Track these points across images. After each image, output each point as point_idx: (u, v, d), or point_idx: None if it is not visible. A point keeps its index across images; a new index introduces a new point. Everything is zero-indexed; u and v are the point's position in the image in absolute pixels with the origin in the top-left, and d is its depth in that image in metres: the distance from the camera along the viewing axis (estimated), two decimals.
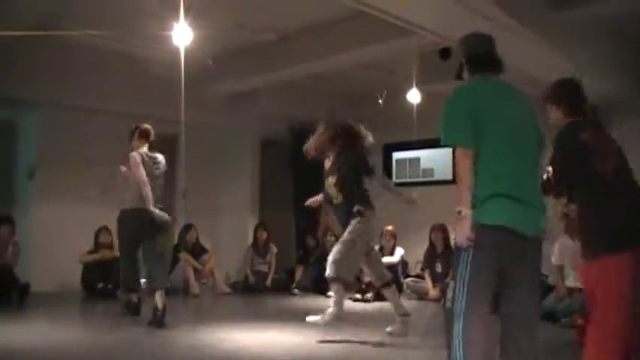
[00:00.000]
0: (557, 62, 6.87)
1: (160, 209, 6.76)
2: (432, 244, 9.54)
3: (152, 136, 7.07)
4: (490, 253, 3.16)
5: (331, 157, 6.04)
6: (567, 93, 4.08)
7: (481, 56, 3.52)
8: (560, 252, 7.26)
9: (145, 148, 6.92)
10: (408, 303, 8.91)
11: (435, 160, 11.79)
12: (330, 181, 5.96)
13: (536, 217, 3.30)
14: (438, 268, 9.36)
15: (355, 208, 5.79)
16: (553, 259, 7.39)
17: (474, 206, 3.18)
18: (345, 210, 5.88)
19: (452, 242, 8.82)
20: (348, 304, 8.65)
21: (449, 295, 3.10)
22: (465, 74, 3.56)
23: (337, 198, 5.94)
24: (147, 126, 7.19)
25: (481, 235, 3.14)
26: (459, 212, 3.19)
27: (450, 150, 11.32)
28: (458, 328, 3.11)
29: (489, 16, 5.83)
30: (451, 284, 3.09)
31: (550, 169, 3.93)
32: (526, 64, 7.24)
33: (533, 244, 3.29)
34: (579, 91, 4.09)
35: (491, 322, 3.22)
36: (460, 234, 3.19)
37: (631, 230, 3.80)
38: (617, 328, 3.70)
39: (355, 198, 5.84)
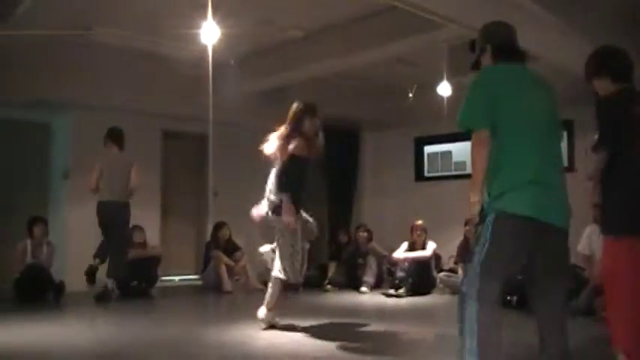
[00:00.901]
0: (586, 52, 6.76)
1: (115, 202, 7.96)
2: (465, 238, 9.46)
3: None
4: (512, 242, 3.15)
5: None
6: (606, 59, 3.95)
7: (506, 44, 3.50)
8: (589, 240, 7.12)
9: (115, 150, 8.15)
10: (441, 298, 8.92)
11: (467, 153, 11.60)
12: None
13: (561, 207, 3.26)
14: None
15: None
16: (580, 248, 7.27)
17: (497, 196, 3.16)
18: None
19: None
20: (381, 299, 8.65)
21: (464, 278, 3.10)
22: (486, 61, 3.53)
23: None
24: (113, 127, 8.19)
25: (504, 224, 3.13)
26: (469, 197, 3.23)
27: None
28: (470, 312, 3.09)
29: (517, 4, 5.75)
30: (466, 267, 3.11)
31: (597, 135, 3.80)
32: (554, 54, 7.16)
33: (559, 234, 3.27)
34: (620, 55, 3.95)
35: (500, 310, 3.21)
36: (470, 221, 3.26)
37: None
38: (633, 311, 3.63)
39: None
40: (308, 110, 6.05)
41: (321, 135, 6.11)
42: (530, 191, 3.15)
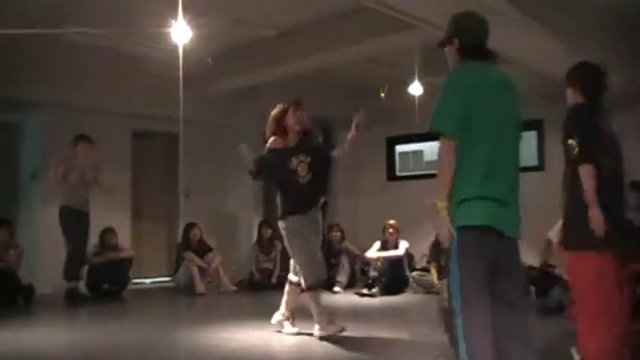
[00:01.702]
0: (563, 57, 6.82)
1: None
2: (437, 237, 9.49)
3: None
4: (479, 251, 3.09)
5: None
6: (588, 77, 4.01)
7: (475, 42, 3.35)
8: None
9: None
10: (414, 297, 8.94)
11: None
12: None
13: (516, 218, 3.24)
14: (444, 261, 9.31)
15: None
16: (551, 234, 7.34)
17: (458, 203, 3.09)
18: None
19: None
20: (355, 299, 8.64)
21: (445, 294, 3.04)
22: (452, 54, 3.41)
23: None
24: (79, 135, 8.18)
25: (468, 236, 3.07)
26: (434, 204, 3.11)
27: None
28: (459, 327, 3.02)
29: (494, 8, 5.76)
30: (445, 283, 3.03)
31: (572, 142, 3.78)
32: (531, 57, 7.21)
33: (513, 244, 3.24)
34: (602, 78, 4.00)
35: (488, 315, 3.10)
36: (442, 228, 3.11)
37: (619, 231, 3.79)
38: (613, 322, 3.69)
39: None
40: (291, 104, 5.93)
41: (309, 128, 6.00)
42: (490, 204, 3.10)
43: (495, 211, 3.10)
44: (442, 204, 3.08)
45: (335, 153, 5.99)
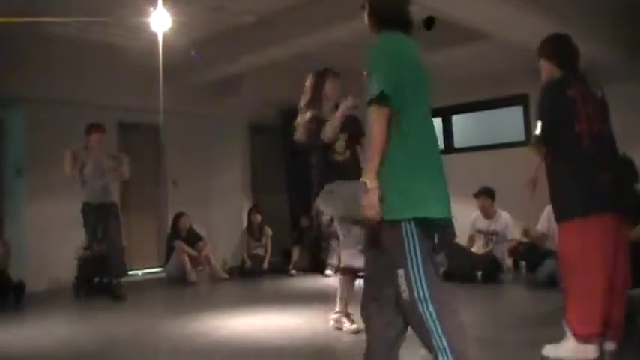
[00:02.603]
0: (549, 30, 6.82)
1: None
2: None
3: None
4: (428, 238, 2.95)
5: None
6: (558, 47, 4.11)
7: (402, 14, 3.13)
8: (549, 220, 7.15)
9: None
10: None
11: None
12: None
13: (448, 199, 3.03)
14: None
15: None
16: (539, 226, 7.42)
17: (403, 194, 2.89)
18: None
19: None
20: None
21: (403, 286, 2.93)
22: (369, 23, 3.18)
23: None
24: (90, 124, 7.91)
25: (420, 228, 2.89)
26: (365, 184, 2.89)
27: (439, 120, 11.31)
28: (428, 314, 2.82)
29: None
30: (400, 273, 2.93)
31: (539, 123, 3.91)
32: (515, 31, 7.19)
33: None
34: (570, 45, 4.10)
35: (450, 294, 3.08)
36: (369, 209, 2.88)
37: (607, 194, 3.81)
38: (599, 291, 3.71)
39: None
40: (328, 72, 5.40)
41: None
42: (437, 192, 2.96)
43: (443, 198, 3.00)
44: (373, 183, 2.88)
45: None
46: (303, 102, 5.34)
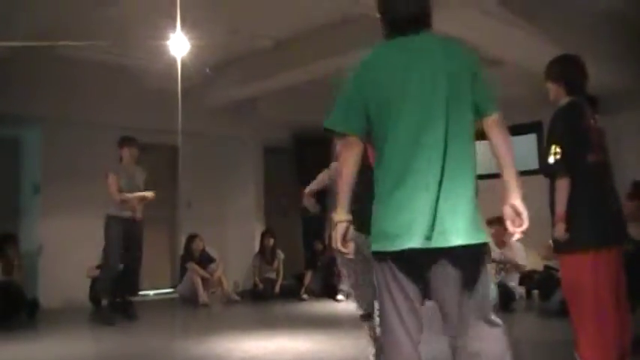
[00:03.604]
0: (553, 53, 6.86)
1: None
2: None
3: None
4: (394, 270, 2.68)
5: None
6: (565, 68, 3.98)
7: (403, 16, 2.75)
8: None
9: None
10: None
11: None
12: None
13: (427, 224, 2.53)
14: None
15: None
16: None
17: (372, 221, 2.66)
18: None
19: None
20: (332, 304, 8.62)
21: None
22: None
23: None
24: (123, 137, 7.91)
25: (379, 261, 2.68)
26: (331, 217, 2.73)
27: None
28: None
29: (487, 9, 5.79)
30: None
31: (555, 149, 3.71)
32: (527, 59, 7.21)
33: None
34: (578, 66, 3.97)
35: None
36: (333, 242, 2.73)
37: (617, 226, 3.79)
38: (612, 324, 3.66)
39: None
40: None
41: None
42: (410, 214, 2.56)
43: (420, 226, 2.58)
44: (340, 217, 2.72)
45: None
46: None
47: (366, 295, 4.46)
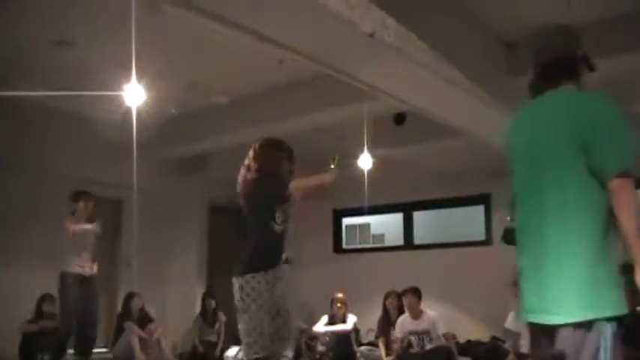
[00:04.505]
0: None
1: None
2: (385, 311, 9.33)
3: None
4: None
5: None
6: None
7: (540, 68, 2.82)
8: (515, 322, 7.07)
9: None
10: None
11: (386, 225, 11.77)
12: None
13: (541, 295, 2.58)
14: (393, 336, 9.16)
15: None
16: (507, 325, 7.31)
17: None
18: None
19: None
20: None
21: None
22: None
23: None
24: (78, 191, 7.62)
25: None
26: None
27: (400, 215, 11.36)
28: None
29: (451, 79, 5.84)
30: None
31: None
32: (483, 129, 7.30)
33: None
34: None
35: None
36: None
37: None
38: None
39: None
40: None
41: None
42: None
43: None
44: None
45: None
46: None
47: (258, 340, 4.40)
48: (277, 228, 4.65)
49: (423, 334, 8.03)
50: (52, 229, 7.92)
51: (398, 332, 8.33)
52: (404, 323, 8.24)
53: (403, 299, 8.20)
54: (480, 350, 8.23)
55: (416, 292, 8.15)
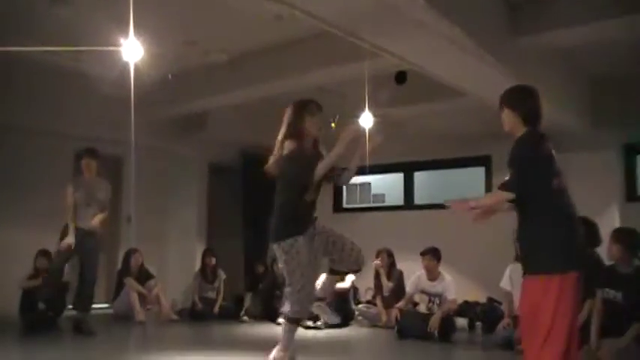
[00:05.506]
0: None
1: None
2: (376, 272, 9.37)
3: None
4: None
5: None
6: (524, 98, 3.96)
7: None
8: (511, 278, 7.11)
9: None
10: (359, 329, 8.84)
11: (387, 185, 11.76)
12: None
13: None
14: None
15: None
16: (501, 284, 7.29)
17: None
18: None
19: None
20: (300, 331, 8.47)
21: None
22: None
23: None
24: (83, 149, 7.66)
25: None
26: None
27: (401, 175, 11.34)
28: None
29: (452, 38, 5.76)
30: None
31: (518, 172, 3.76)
32: (484, 90, 7.23)
33: None
34: (537, 99, 3.96)
35: None
36: None
37: (582, 253, 3.80)
38: (564, 344, 3.61)
39: None
40: (307, 105, 5.09)
41: None
42: None
43: None
44: None
45: (341, 181, 5.34)
46: (281, 134, 5.00)
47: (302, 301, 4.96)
48: (309, 197, 4.97)
49: (435, 297, 7.97)
50: (53, 186, 7.96)
51: (409, 288, 8.31)
52: (418, 281, 8.17)
53: (422, 260, 8.07)
54: (476, 312, 8.26)
55: (435, 254, 8.01)
